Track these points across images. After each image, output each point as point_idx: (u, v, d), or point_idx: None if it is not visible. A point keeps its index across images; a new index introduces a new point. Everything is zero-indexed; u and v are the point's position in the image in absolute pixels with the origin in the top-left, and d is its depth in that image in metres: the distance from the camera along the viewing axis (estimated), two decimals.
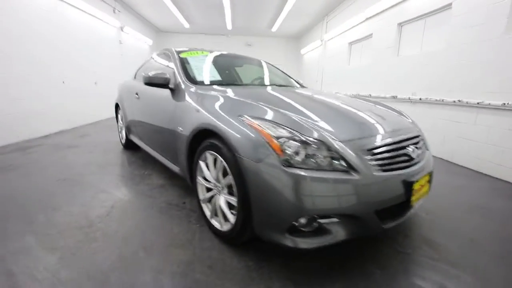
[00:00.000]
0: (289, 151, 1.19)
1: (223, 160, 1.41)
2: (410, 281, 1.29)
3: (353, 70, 6.41)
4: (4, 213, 1.83)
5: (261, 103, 1.54)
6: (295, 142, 1.20)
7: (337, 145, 1.22)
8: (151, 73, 2.10)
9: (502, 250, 1.60)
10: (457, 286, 1.27)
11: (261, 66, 3.04)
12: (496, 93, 2.90)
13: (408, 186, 1.30)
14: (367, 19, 5.64)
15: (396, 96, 4.54)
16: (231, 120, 1.40)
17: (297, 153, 1.19)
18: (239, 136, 1.31)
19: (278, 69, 3.25)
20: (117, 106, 3.75)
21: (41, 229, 1.64)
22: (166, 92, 2.19)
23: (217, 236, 1.60)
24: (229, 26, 9.47)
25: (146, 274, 1.28)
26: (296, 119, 1.33)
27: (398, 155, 1.37)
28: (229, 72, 2.62)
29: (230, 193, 1.47)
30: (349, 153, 1.22)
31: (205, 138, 1.61)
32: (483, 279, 1.33)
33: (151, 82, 2.10)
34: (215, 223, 1.61)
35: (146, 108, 2.59)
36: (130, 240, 1.56)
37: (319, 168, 1.17)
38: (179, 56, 2.39)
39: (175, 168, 2.15)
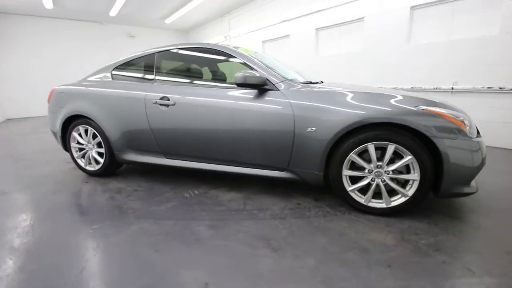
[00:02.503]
0: (467, 126, 1.65)
1: (403, 149, 1.66)
2: None
3: None
4: None
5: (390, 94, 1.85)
6: (466, 120, 1.68)
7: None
8: (243, 74, 1.88)
9: None
10: None
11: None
12: (399, 86, 4.47)
13: None
14: (283, 21, 6.52)
15: None
16: (413, 109, 1.65)
17: (470, 126, 1.67)
18: (432, 122, 1.61)
19: None
20: (68, 120, 2.63)
21: None
22: (248, 93, 2.00)
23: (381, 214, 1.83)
24: (113, 12, 7.81)
25: None
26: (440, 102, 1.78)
27: None
28: (287, 70, 2.53)
29: (385, 172, 1.74)
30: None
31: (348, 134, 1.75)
32: None
33: (245, 83, 1.89)
34: (374, 204, 1.82)
35: (202, 114, 2.11)
36: None
37: (476, 136, 1.72)
38: (248, 54, 2.15)
39: (274, 174, 2.04)
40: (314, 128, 1.83)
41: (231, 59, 2.24)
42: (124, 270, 1.35)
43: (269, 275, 1.29)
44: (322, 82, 2.34)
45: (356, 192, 1.86)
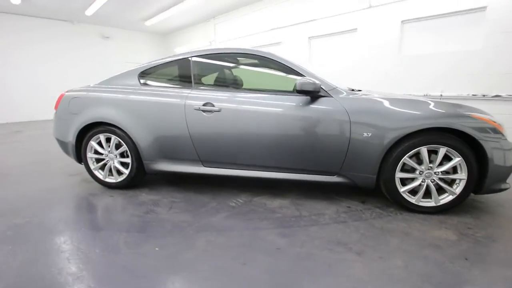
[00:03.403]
0: (504, 128, 1.86)
1: (453, 151, 1.82)
2: None
3: None
4: None
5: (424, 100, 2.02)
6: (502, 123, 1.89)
7: None
8: (303, 81, 1.91)
9: None
10: None
11: None
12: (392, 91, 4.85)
13: None
14: (273, 29, 6.66)
15: None
16: (464, 115, 1.83)
17: (503, 126, 1.89)
18: (478, 126, 1.79)
19: None
20: (84, 129, 2.38)
21: None
22: (299, 100, 2.04)
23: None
24: (90, 11, 7.23)
25: None
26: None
27: None
28: None
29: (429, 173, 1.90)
30: None
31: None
32: None
33: (303, 90, 1.92)
34: (424, 203, 1.95)
35: (250, 121, 2.08)
36: None
37: None
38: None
39: (324, 179, 2.09)
40: (370, 134, 1.91)
41: (272, 65, 2.25)
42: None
43: (371, 279, 1.32)
44: (360, 90, 2.46)
45: (407, 193, 1.98)
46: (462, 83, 4.10)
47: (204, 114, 2.15)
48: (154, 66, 2.43)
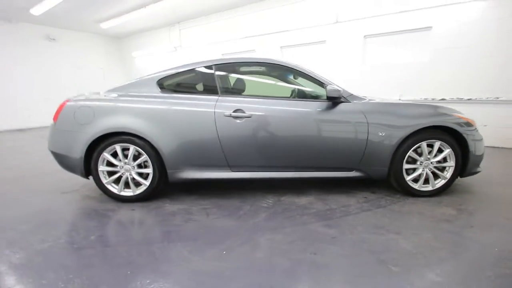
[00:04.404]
0: (475, 122, 2.39)
1: (444, 144, 2.27)
2: None
3: None
4: None
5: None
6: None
7: None
8: (332, 88, 2.18)
9: None
10: None
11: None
12: None
13: None
14: (246, 37, 6.88)
15: None
16: (453, 115, 2.29)
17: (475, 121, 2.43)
18: (462, 124, 2.27)
19: None
20: (97, 140, 2.22)
21: None
22: (319, 105, 2.30)
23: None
24: (38, 10, 6.35)
25: None
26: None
27: None
28: None
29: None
30: None
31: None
32: None
33: (331, 96, 2.18)
34: (423, 188, 2.37)
35: (279, 125, 2.24)
36: None
37: None
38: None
39: (343, 174, 2.37)
40: (384, 133, 2.26)
41: (291, 73, 2.47)
42: (323, 276, 1.40)
43: (418, 250, 1.60)
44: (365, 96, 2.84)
45: (411, 181, 2.38)
46: (416, 89, 4.93)
47: (235, 120, 2.23)
48: (174, 74, 2.40)
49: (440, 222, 1.95)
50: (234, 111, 2.24)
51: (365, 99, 2.42)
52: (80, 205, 2.35)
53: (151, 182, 2.31)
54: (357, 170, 2.38)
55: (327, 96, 2.19)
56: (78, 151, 2.26)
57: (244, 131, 2.25)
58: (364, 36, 5.32)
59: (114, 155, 2.31)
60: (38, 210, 2.27)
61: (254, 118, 2.24)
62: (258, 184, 2.73)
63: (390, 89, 5.14)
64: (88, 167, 2.32)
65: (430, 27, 4.68)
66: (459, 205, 2.24)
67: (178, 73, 2.41)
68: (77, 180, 2.84)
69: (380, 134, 2.27)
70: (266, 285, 1.33)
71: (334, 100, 2.27)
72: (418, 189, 2.38)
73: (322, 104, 2.31)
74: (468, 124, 2.33)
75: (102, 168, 2.29)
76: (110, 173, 2.35)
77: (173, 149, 2.25)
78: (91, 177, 2.37)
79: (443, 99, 4.69)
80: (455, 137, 2.33)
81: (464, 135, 2.29)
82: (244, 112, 2.24)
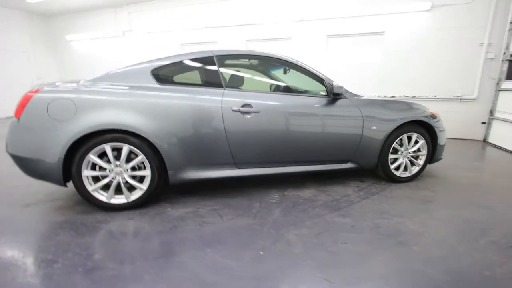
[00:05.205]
0: (439, 115, 2.82)
1: (419, 135, 2.62)
2: None
3: None
4: None
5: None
6: None
7: None
8: (337, 85, 2.31)
9: None
10: None
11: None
12: None
13: None
14: (207, 27, 6.56)
15: None
16: (427, 111, 2.64)
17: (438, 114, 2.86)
18: (431, 118, 2.64)
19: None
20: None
21: None
22: (322, 101, 2.40)
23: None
24: None
25: None
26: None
27: None
28: None
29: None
30: None
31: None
32: None
33: (336, 92, 2.30)
34: (402, 175, 2.71)
35: (285, 121, 2.25)
36: None
37: None
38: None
39: (340, 166, 2.55)
40: (375, 127, 2.48)
41: (292, 68, 2.49)
42: (356, 264, 1.47)
43: (425, 230, 1.84)
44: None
45: (393, 169, 2.69)
46: (371, 87, 5.51)
47: (244, 115, 2.14)
48: (171, 64, 2.16)
49: (426, 203, 2.28)
50: (242, 106, 2.15)
51: (358, 96, 2.62)
52: (59, 219, 1.94)
53: (149, 186, 2.05)
54: (352, 162, 2.57)
55: (331, 92, 2.29)
56: (54, 154, 1.85)
57: (253, 126, 2.18)
58: (327, 35, 5.67)
59: (100, 156, 1.98)
60: (3, 230, 1.80)
61: (262, 113, 2.19)
62: (258, 180, 2.71)
63: (350, 86, 5.62)
64: (66, 172, 1.94)
65: (383, 32, 5.27)
66: (433, 187, 2.64)
67: (176, 62, 2.18)
68: (35, 188, 2.41)
69: (373, 128, 2.49)
70: (331, 278, 1.35)
71: (335, 96, 2.39)
72: (399, 176, 2.71)
73: (325, 100, 2.41)
74: (434, 117, 2.75)
75: (87, 173, 1.94)
76: (95, 178, 2.01)
77: (175, 147, 2.05)
78: (69, 184, 1.99)
79: (393, 96, 5.38)
80: (425, 129, 2.72)
81: (435, 128, 2.69)
82: (251, 107, 2.17)
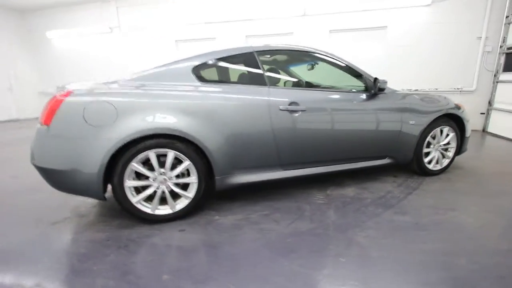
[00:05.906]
0: (464, 106, 2.88)
1: (450, 128, 2.64)
2: None
3: None
4: None
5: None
6: None
7: None
8: (384, 80, 2.25)
9: None
10: None
11: None
12: None
13: None
14: (207, 23, 6.31)
15: None
16: (456, 103, 2.66)
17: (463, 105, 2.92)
18: (459, 109, 2.67)
19: None
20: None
21: None
22: (365, 96, 2.35)
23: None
24: None
25: None
26: None
27: None
28: None
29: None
30: None
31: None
32: None
33: (381, 87, 2.25)
34: (435, 168, 2.73)
35: (332, 118, 2.18)
36: None
37: None
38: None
39: (378, 162, 2.52)
40: (413, 121, 2.47)
41: (335, 65, 2.43)
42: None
43: (482, 223, 1.85)
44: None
45: (427, 163, 2.70)
46: None
47: (292, 114, 2.03)
48: (211, 61, 1.99)
49: (467, 195, 2.30)
50: (289, 104, 2.04)
51: (396, 90, 2.59)
52: (100, 237, 1.74)
53: (196, 193, 1.90)
54: (389, 157, 2.55)
55: (376, 87, 2.25)
56: (94, 164, 1.65)
57: (300, 125, 2.09)
58: (330, 30, 5.65)
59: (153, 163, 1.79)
60: (41, 255, 1.57)
61: (309, 112, 2.10)
62: (295, 181, 2.60)
63: None
64: (106, 184, 1.74)
65: (385, 27, 5.33)
66: (464, 179, 2.69)
67: (216, 59, 2.02)
68: (54, 201, 2.19)
69: (411, 122, 2.48)
70: (430, 282, 1.29)
71: (381, 92, 2.35)
72: (431, 169, 2.73)
73: (368, 95, 2.35)
74: (459, 107, 2.78)
75: (129, 183, 1.75)
76: (138, 190, 1.82)
77: (223, 150, 1.90)
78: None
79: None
80: (454, 120, 2.76)
81: (464, 120, 2.73)
82: (298, 105, 2.07)
